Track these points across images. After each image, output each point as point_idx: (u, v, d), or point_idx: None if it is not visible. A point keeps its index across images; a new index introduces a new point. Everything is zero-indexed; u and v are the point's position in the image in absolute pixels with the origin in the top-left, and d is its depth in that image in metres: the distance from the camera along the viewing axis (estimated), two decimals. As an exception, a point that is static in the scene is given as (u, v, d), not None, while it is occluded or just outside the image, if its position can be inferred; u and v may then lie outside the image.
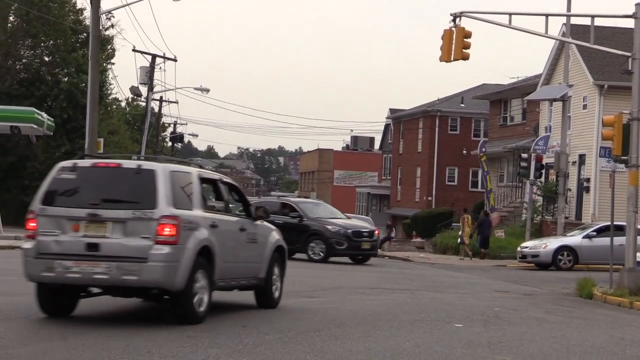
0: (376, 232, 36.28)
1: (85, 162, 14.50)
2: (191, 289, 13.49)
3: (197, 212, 14.01)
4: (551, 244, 36.59)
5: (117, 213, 13.49)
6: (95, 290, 14.15)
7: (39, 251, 13.60)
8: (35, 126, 48.07)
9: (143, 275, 13.19)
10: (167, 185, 13.68)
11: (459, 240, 46.54)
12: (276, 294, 16.63)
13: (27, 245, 13.82)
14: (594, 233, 35.90)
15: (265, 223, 16.69)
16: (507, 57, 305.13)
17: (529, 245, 37.65)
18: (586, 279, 24.25)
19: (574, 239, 36.42)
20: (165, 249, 13.25)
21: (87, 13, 61.09)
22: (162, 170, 13.89)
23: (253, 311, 15.43)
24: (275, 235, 16.87)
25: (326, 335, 12.89)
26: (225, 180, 16.22)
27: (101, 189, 13.87)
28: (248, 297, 16.19)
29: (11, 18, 64.49)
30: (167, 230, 13.30)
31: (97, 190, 13.86)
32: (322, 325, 13.97)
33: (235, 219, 15.64)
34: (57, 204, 13.90)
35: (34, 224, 13.88)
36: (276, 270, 16.68)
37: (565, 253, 35.95)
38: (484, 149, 58.05)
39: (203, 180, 14.88)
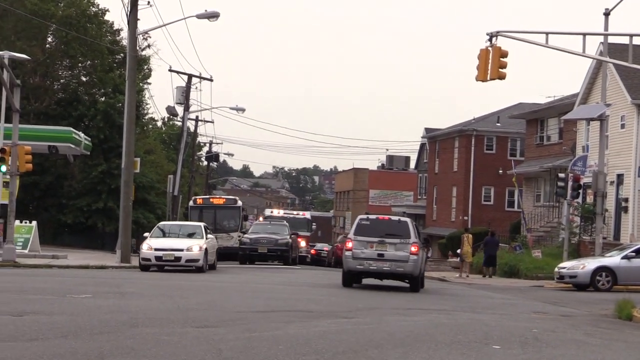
0: None
1: (372, 216, 30.45)
2: (419, 276, 29.79)
3: (418, 240, 29.66)
4: (589, 264, 36.23)
5: (392, 240, 29.08)
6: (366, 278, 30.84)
7: (354, 257, 29.12)
8: (72, 146, 48.53)
9: (406, 269, 28.97)
10: (412, 227, 29.66)
11: (458, 258, 49.33)
12: (424, 284, 31.93)
13: (348, 253, 29.32)
14: (633, 254, 35.52)
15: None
16: (543, 75, 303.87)
17: (567, 265, 37.35)
18: (625, 300, 23.92)
19: (613, 259, 36.03)
20: (414, 257, 28.92)
21: (124, 33, 61.69)
22: (409, 220, 30.37)
23: (290, 332, 15.37)
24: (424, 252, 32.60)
25: (363, 357, 12.80)
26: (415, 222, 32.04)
27: (383, 228, 29.40)
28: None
29: (49, 39, 65.17)
30: (414, 249, 29.01)
31: (381, 229, 29.36)
32: (359, 346, 13.88)
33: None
34: (361, 234, 29.31)
35: (351, 244, 29.32)
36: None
37: (603, 274, 35.56)
38: (514, 170, 58.32)
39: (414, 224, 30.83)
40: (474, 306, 24.66)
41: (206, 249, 36.29)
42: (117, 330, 14.34)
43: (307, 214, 75.42)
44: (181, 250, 35.54)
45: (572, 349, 15.33)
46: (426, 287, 32.90)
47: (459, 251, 48.47)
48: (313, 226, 72.50)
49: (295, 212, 77.49)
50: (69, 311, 16.87)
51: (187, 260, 35.47)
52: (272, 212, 72.91)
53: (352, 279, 30.23)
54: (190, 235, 37.44)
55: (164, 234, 37.88)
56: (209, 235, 38.36)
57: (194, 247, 35.75)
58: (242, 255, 49.12)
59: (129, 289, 23.47)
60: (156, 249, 35.54)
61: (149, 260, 35.54)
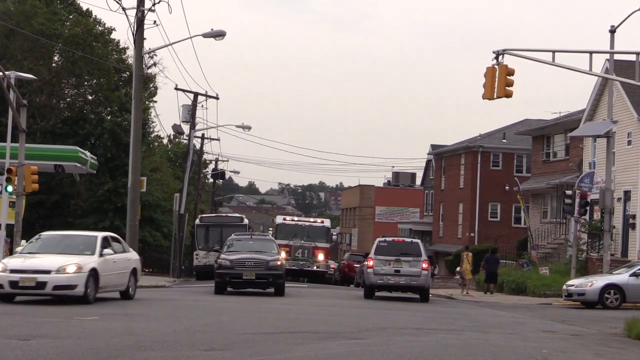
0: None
1: (389, 238, 36.42)
2: (428, 289, 35.94)
3: (427, 258, 35.87)
4: (597, 282, 36.06)
5: (407, 258, 34.66)
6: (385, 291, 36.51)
7: (375, 273, 34.85)
8: (78, 165, 48.54)
9: (418, 282, 34.67)
10: (423, 247, 36.25)
11: (457, 275, 51.45)
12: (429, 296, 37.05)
13: (370, 270, 34.99)
14: (641, 271, 35.38)
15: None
16: (549, 91, 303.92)
17: (575, 283, 37.18)
18: (635, 318, 23.70)
19: (621, 277, 35.86)
20: (425, 272, 34.61)
21: (130, 52, 61.89)
22: (420, 242, 37.05)
23: (298, 354, 15.27)
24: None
25: (373, 381, 12.69)
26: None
27: (399, 249, 35.27)
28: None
29: (56, 58, 65.33)
30: (424, 265, 34.64)
31: (398, 249, 35.19)
32: (368, 369, 13.78)
33: None
34: (381, 254, 35.07)
35: (372, 262, 34.91)
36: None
37: (612, 291, 35.38)
38: (517, 188, 58.46)
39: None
40: (482, 325, 24.50)
41: (94, 269, 25.10)
42: (124, 354, 14.26)
43: (327, 222, 63.41)
44: (47, 272, 24.47)
45: (583, 371, 15.18)
46: (433, 306, 33.22)
47: (458, 269, 49.70)
48: (333, 236, 67.07)
49: (312, 219, 65.14)
50: (75, 334, 16.79)
51: (56, 287, 24.44)
52: (284, 219, 62.99)
53: (372, 292, 36.19)
54: (78, 251, 26.03)
55: (40, 248, 26.64)
56: (106, 251, 26.45)
57: (70, 267, 24.48)
58: (220, 282, 35.23)
59: (136, 310, 23.38)
60: (12, 271, 24.68)
61: (1, 287, 24.71)
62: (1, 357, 13.38)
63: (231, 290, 35.54)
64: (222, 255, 35.78)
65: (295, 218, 66.21)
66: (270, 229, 57.46)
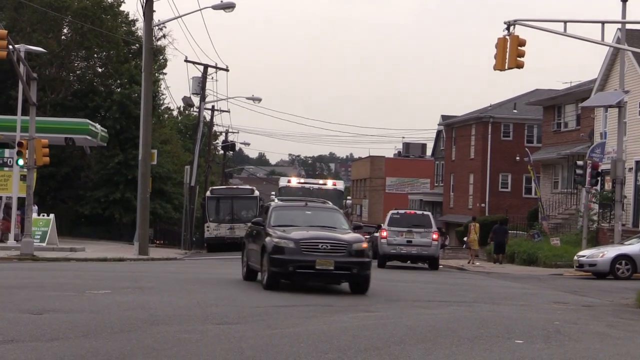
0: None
1: (401, 211, 40.34)
2: (438, 258, 39.93)
3: (437, 229, 39.50)
4: (609, 252, 35.99)
5: (418, 230, 38.14)
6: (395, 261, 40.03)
7: (388, 243, 38.06)
8: (89, 137, 48.58)
9: (429, 251, 38.27)
10: (433, 219, 39.71)
11: (464, 245, 53.28)
12: (440, 264, 40.81)
13: (383, 240, 38.18)
14: (653, 241, 35.31)
15: None
16: (560, 61, 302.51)
17: (586, 254, 37.11)
18: (646, 289, 23.72)
19: (632, 247, 35.78)
20: (435, 243, 38.31)
21: (140, 24, 61.72)
22: (430, 214, 40.68)
23: (311, 328, 15.29)
24: None
25: (386, 354, 12.70)
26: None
27: (411, 221, 38.67)
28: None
29: (65, 30, 65.22)
30: (435, 236, 38.28)
31: (410, 221, 38.58)
32: (381, 342, 13.78)
33: None
34: (393, 225, 38.36)
35: (385, 233, 38.30)
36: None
37: (623, 262, 35.31)
38: (527, 159, 58.37)
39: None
40: (494, 297, 24.51)
41: None
42: (137, 328, 14.29)
43: (340, 184, 54.51)
44: None
45: (596, 342, 15.17)
46: (445, 277, 33.17)
47: (465, 239, 50.76)
48: (348, 201, 59.96)
49: (321, 182, 55.38)
50: (88, 308, 16.83)
51: None
52: (289, 181, 53.87)
53: (385, 261, 39.06)
54: None
55: None
56: None
57: None
58: (278, 273, 22.41)
59: (148, 284, 23.41)
60: None
61: None
62: (15, 332, 13.42)
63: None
64: (278, 233, 22.82)
65: (302, 180, 57.80)
66: (273, 193, 48.11)
